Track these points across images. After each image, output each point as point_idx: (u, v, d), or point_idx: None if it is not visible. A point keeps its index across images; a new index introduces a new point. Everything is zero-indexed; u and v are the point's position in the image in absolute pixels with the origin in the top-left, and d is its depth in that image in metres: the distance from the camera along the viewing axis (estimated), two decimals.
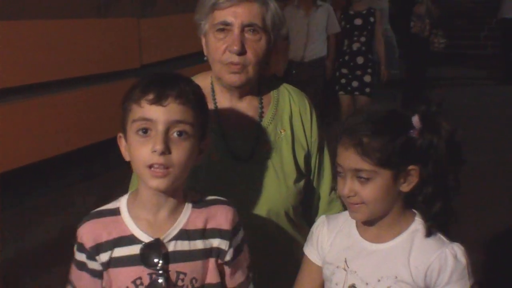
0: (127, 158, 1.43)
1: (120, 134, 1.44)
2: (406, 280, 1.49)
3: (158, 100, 1.34)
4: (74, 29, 2.57)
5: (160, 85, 1.36)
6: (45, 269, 2.34)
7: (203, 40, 1.82)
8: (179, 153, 1.36)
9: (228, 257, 1.48)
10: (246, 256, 1.55)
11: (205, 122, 1.46)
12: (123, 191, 1.56)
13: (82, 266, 1.44)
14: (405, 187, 1.53)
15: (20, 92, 2.26)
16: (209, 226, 1.46)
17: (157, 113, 1.34)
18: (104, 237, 1.42)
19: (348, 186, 1.51)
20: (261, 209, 1.78)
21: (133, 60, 3.01)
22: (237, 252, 1.50)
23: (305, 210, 1.96)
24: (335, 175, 1.63)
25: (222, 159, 1.78)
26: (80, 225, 1.45)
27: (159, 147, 1.33)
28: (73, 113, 2.53)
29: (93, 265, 1.43)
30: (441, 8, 8.95)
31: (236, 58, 1.73)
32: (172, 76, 1.43)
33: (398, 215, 1.56)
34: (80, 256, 1.44)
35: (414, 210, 1.58)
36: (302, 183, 1.87)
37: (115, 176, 1.51)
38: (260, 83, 1.87)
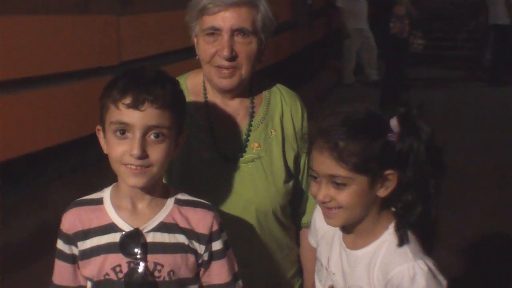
0: (105, 151, 1.45)
1: (99, 127, 1.46)
2: None
3: (135, 105, 1.36)
4: (53, 25, 2.55)
5: (138, 88, 1.38)
6: (33, 259, 2.33)
7: (195, 40, 1.80)
8: (156, 154, 1.39)
9: (201, 260, 1.50)
10: (230, 263, 1.54)
11: (182, 119, 1.49)
12: (104, 184, 1.56)
13: (62, 255, 1.48)
14: (382, 192, 1.46)
15: None
16: (188, 226, 1.48)
17: (134, 118, 1.37)
18: (86, 225, 1.46)
19: (323, 192, 1.46)
20: (249, 207, 1.78)
21: (112, 57, 3.00)
22: (214, 256, 1.51)
23: (293, 211, 1.94)
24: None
25: (212, 158, 1.77)
26: (64, 213, 1.48)
27: (136, 152, 1.36)
28: (50, 109, 2.52)
29: (73, 250, 1.47)
30: (420, 10, 9.05)
31: (226, 63, 1.72)
32: (149, 76, 1.42)
33: (374, 222, 1.50)
34: (61, 244, 1.48)
35: (389, 216, 1.50)
36: (291, 183, 1.85)
37: (94, 171, 1.53)
38: (252, 83, 1.85)
